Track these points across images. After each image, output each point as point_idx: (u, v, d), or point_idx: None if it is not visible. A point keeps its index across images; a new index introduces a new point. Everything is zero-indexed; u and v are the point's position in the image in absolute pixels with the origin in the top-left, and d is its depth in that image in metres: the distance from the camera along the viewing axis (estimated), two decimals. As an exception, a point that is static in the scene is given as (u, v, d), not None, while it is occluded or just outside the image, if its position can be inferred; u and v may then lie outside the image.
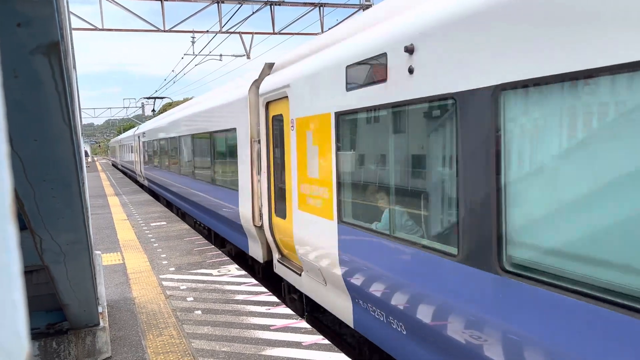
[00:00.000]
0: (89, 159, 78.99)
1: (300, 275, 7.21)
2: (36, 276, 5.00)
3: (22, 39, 1.58)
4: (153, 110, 37.86)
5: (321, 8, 18.75)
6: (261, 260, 9.00)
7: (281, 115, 7.51)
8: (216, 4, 17.86)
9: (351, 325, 5.80)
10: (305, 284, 7.09)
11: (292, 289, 8.05)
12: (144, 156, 27.25)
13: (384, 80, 4.59)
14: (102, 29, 17.63)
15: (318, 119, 6.11)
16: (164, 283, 8.39)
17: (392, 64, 4.44)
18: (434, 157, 4.18)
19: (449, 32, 3.73)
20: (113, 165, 68.97)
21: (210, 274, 8.78)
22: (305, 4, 18.57)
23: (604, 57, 2.58)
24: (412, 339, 4.54)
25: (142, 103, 60.21)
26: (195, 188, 14.03)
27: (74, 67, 4.21)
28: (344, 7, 19.40)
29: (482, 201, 3.46)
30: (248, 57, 21.15)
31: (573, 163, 2.89)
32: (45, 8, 1.50)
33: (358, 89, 5.14)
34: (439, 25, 3.85)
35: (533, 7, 2.99)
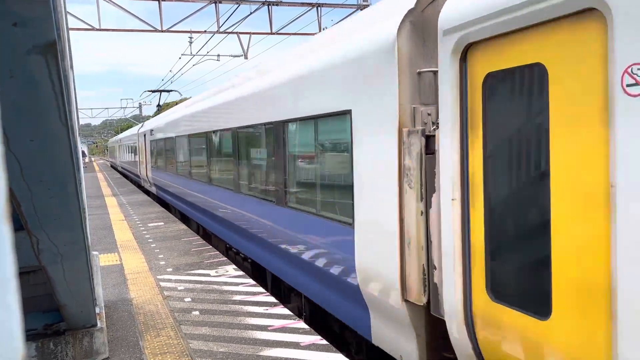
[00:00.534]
0: (86, 159, 77.47)
1: None
2: (33, 277, 4.98)
3: (18, 39, 1.57)
4: (158, 106, 33.45)
5: (319, 8, 18.75)
6: None
7: (535, 65, 3.24)
8: (214, 4, 17.85)
9: None
10: None
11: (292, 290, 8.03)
12: (151, 158, 23.11)
13: None
14: (99, 29, 17.60)
15: None
16: (162, 284, 8.37)
17: None
18: None
19: None
20: (112, 167, 65.62)
21: (208, 275, 8.77)
22: (302, 4, 18.57)
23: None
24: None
25: (140, 103, 60.16)
26: (243, 207, 9.48)
27: (71, 67, 4.21)
28: (342, 7, 19.42)
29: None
30: (246, 58, 21.15)
31: None
32: (41, 8, 1.49)
33: None
34: None
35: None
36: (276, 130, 7.49)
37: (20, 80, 1.72)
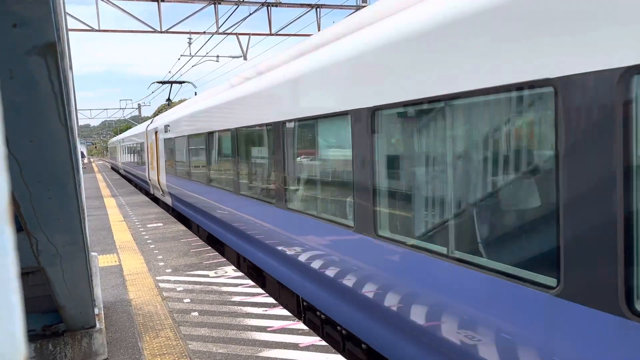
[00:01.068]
0: (85, 160, 75.55)
1: None
2: (32, 278, 4.98)
3: (18, 40, 1.57)
4: (168, 100, 28.57)
5: (318, 9, 18.76)
6: None
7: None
8: (213, 5, 17.86)
9: None
10: None
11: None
12: (166, 161, 18.42)
13: None
14: (99, 30, 17.60)
15: None
16: (161, 284, 8.37)
17: None
18: None
19: None
20: (112, 168, 61.02)
21: (207, 276, 8.77)
22: (302, 5, 18.59)
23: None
24: None
25: (139, 104, 60.14)
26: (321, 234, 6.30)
27: (70, 68, 4.20)
28: (341, 8, 19.44)
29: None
30: (245, 59, 21.15)
31: None
32: (41, 9, 1.49)
33: None
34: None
35: None
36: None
37: (20, 80, 1.72)
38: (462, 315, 3.99)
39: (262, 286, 8.97)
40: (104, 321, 6.15)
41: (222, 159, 11.39)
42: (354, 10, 18.72)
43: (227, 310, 6.92)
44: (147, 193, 26.81)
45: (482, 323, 3.78)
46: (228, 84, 11.45)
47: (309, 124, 6.71)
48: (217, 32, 18.88)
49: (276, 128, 7.48)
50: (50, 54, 1.65)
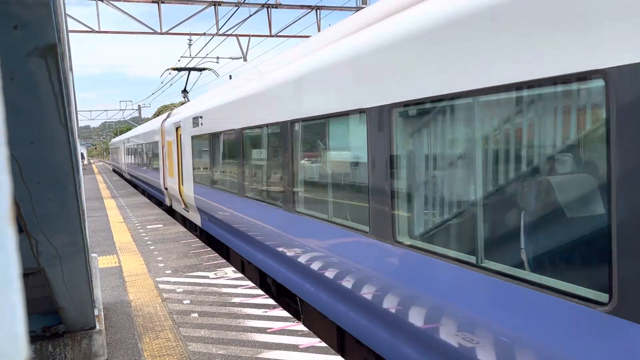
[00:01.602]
0: (85, 161, 73.80)
1: None
2: (32, 279, 4.98)
3: (18, 41, 1.57)
4: (185, 91, 21.72)
5: (318, 11, 18.78)
6: None
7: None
8: (213, 7, 17.88)
9: None
10: None
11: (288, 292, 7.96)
12: (194, 165, 13.68)
13: None
14: (99, 31, 17.61)
15: None
16: (161, 286, 8.36)
17: None
18: None
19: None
20: (114, 171, 55.17)
21: (207, 277, 8.76)
22: (302, 6, 18.61)
23: None
24: None
25: (139, 105, 60.17)
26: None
27: (71, 69, 4.21)
28: (341, 9, 19.46)
29: None
30: (245, 60, 21.16)
31: None
32: (41, 10, 1.50)
33: None
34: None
35: None
36: None
37: (21, 82, 1.73)
38: (495, 333, 3.52)
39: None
40: (103, 322, 6.15)
41: (312, 165, 6.82)
42: (354, 12, 18.73)
43: (227, 311, 6.91)
44: (159, 203, 21.81)
45: (519, 342, 3.33)
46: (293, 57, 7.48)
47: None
48: (217, 34, 18.89)
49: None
50: (51, 55, 1.65)
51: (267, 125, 7.93)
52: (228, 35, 19.36)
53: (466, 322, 3.84)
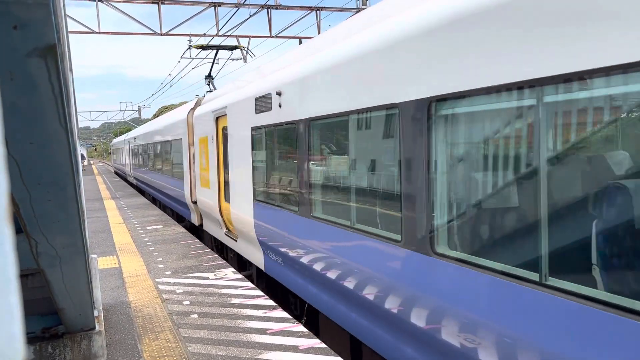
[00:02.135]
0: (85, 162, 72.64)
1: None
2: (31, 280, 4.97)
3: (18, 42, 1.57)
4: (209, 77, 17.06)
5: (318, 11, 18.80)
6: None
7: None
8: (213, 8, 17.89)
9: None
10: None
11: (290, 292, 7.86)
12: (256, 172, 8.74)
13: None
14: (99, 32, 17.61)
15: None
16: (160, 287, 8.36)
17: None
18: None
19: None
20: (116, 173, 50.76)
21: (207, 278, 8.76)
22: (302, 7, 18.62)
23: None
24: None
25: (139, 106, 60.20)
26: None
27: (70, 69, 4.21)
28: (341, 10, 19.47)
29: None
30: (245, 61, 21.18)
31: None
32: (41, 10, 1.50)
33: None
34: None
35: None
36: None
37: (20, 82, 1.73)
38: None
39: None
40: (103, 323, 6.14)
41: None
42: (353, 13, 18.74)
43: (227, 312, 6.91)
44: (179, 218, 17.58)
45: None
46: None
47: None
48: (217, 34, 18.90)
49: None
50: (51, 55, 1.65)
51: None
52: (228, 36, 19.37)
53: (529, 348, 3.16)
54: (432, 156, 4.10)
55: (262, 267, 8.80)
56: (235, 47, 17.43)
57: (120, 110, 65.20)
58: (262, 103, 8.03)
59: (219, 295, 7.72)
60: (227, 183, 10.52)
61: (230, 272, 9.10)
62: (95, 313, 5.90)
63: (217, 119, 11.14)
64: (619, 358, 2.57)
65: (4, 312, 0.41)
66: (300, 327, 6.22)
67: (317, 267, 6.23)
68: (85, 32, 17.43)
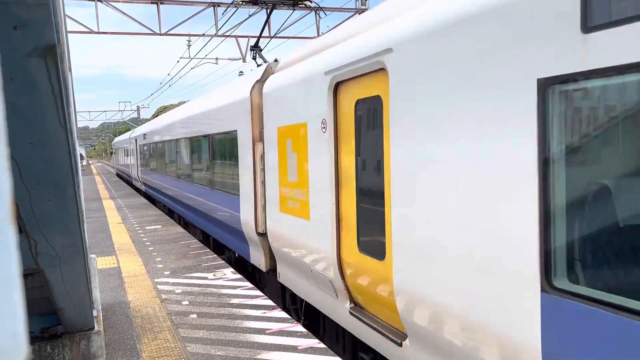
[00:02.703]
0: (84, 162, 70.89)
1: None
2: (31, 280, 4.97)
3: (18, 42, 1.58)
4: (256, 47, 11.72)
5: (317, 12, 18.80)
6: None
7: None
8: (212, 8, 17.89)
9: None
10: None
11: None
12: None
13: None
14: (98, 32, 17.60)
15: None
16: (159, 287, 8.36)
17: None
18: None
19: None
20: (118, 175, 46.64)
21: (206, 278, 8.76)
22: (302, 7, 18.60)
23: None
24: None
25: (138, 106, 60.14)
26: None
27: (70, 70, 4.21)
28: (340, 10, 19.48)
29: None
30: (244, 61, 21.18)
31: None
32: (41, 11, 1.50)
33: None
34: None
35: None
36: None
37: (20, 82, 1.73)
38: None
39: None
40: (102, 323, 6.14)
41: None
42: (353, 13, 18.75)
43: (226, 312, 6.91)
44: (218, 246, 12.16)
45: None
46: None
47: None
48: (216, 35, 18.90)
49: None
50: (50, 56, 1.65)
51: None
52: (227, 36, 19.37)
53: None
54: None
55: None
56: (297, 3, 13.34)
57: (119, 110, 65.11)
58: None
59: (218, 295, 7.73)
60: (363, 214, 5.24)
61: (229, 272, 9.10)
62: (94, 313, 5.90)
63: (337, 87, 5.72)
64: None
65: (8, 310, 0.42)
66: (300, 327, 6.22)
67: None
68: (84, 32, 17.42)
